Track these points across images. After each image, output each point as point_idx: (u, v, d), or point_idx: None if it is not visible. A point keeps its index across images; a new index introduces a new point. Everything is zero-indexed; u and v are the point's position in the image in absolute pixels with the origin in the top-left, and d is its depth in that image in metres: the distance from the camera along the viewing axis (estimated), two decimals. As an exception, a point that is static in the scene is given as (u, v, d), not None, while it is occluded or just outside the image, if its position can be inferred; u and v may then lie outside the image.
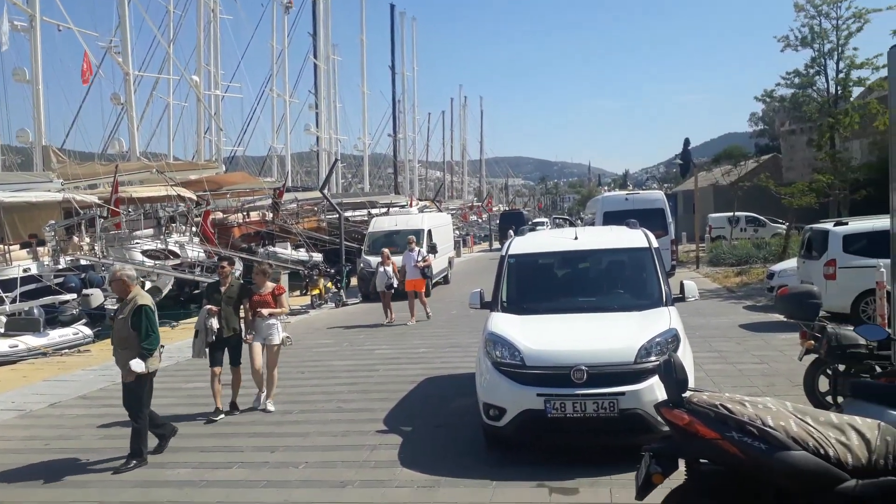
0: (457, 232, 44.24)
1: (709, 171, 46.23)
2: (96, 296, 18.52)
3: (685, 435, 3.56)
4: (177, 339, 13.80)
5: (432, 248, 21.79)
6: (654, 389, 5.49)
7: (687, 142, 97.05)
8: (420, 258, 15.43)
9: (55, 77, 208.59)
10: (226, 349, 8.21)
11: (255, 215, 31.60)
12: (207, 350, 8.03)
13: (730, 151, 51.14)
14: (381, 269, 15.47)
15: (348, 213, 36.35)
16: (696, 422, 3.51)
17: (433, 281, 21.61)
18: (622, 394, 5.63)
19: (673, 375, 3.70)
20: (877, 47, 17.69)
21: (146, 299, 6.55)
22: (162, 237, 23.14)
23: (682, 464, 3.68)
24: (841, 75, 20.23)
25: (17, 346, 13.58)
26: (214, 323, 7.97)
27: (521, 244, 7.97)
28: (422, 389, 9.04)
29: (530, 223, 47.20)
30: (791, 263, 14.82)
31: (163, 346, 6.77)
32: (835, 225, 12.52)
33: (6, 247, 17.69)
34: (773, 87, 21.82)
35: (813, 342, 6.45)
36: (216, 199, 29.64)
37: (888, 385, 4.42)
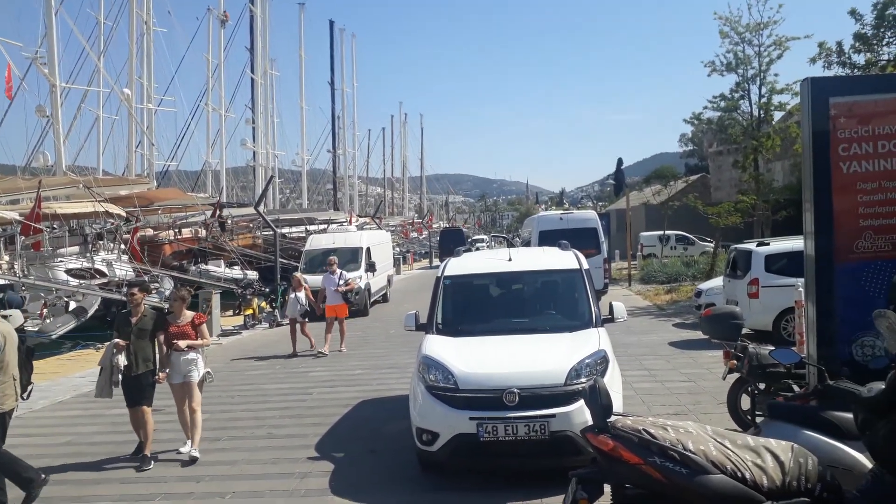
0: (397, 249, 44.20)
1: (640, 190, 47.61)
2: (15, 317, 17.58)
3: (610, 460, 3.60)
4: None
5: (371, 267, 21.67)
6: (584, 412, 5.53)
7: (620, 161, 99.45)
8: (342, 281, 14.08)
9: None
10: (138, 388, 7.19)
11: (187, 232, 30.75)
12: (117, 387, 7.10)
13: (660, 171, 52.78)
14: (293, 295, 13.95)
15: (286, 230, 35.83)
16: (621, 447, 3.56)
17: (371, 300, 21.47)
18: (553, 416, 5.68)
19: (598, 401, 3.75)
20: (796, 73, 18.71)
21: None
22: (88, 255, 22.28)
23: (607, 488, 3.72)
24: (763, 100, 21.15)
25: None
26: (121, 359, 7.00)
27: (457, 265, 7.99)
28: (356, 413, 8.91)
29: (470, 240, 47.54)
30: (718, 282, 15.33)
31: (32, 384, 6.39)
32: (757, 245, 13.02)
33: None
34: (700, 109, 22.66)
35: (735, 362, 6.66)
36: (147, 216, 28.76)
37: (802, 406, 4.59)
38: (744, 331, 11.11)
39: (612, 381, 6.08)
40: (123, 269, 22.59)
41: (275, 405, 9.58)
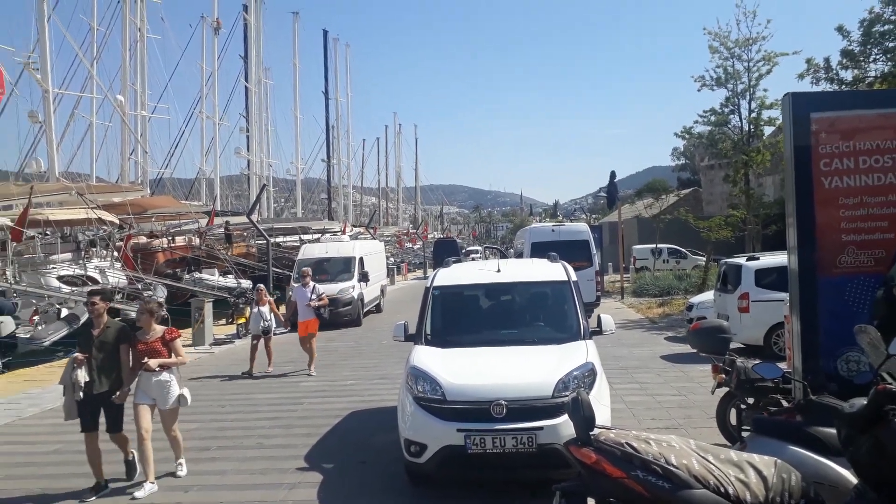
0: (391, 259, 44.19)
1: (633, 203, 47.80)
2: (7, 324, 17.56)
3: (593, 473, 3.63)
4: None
5: (364, 277, 21.67)
6: (572, 424, 5.56)
7: (613, 174, 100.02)
8: (314, 295, 12.98)
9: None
10: (101, 410, 6.57)
11: (181, 240, 30.70)
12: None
13: (652, 185, 53.08)
14: (256, 309, 13.06)
15: (280, 239, 35.83)
16: (603, 460, 3.58)
17: (364, 311, 21.45)
18: (540, 428, 5.70)
19: (580, 413, 3.77)
20: (785, 88, 18.67)
21: None
22: (81, 262, 22.22)
23: (591, 502, 3.74)
24: (753, 114, 21.34)
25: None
26: (81, 375, 6.27)
27: (446, 276, 8.03)
28: (347, 424, 8.91)
29: (464, 251, 47.54)
30: (709, 296, 15.39)
31: None
32: (747, 260, 13.09)
33: None
34: (691, 124, 22.85)
35: (724, 376, 6.69)
36: (141, 223, 28.71)
37: (787, 421, 4.62)
38: (736, 345, 11.20)
39: (600, 394, 6.10)
40: (116, 277, 22.55)
41: (265, 415, 9.56)
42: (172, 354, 6.70)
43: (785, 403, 5.90)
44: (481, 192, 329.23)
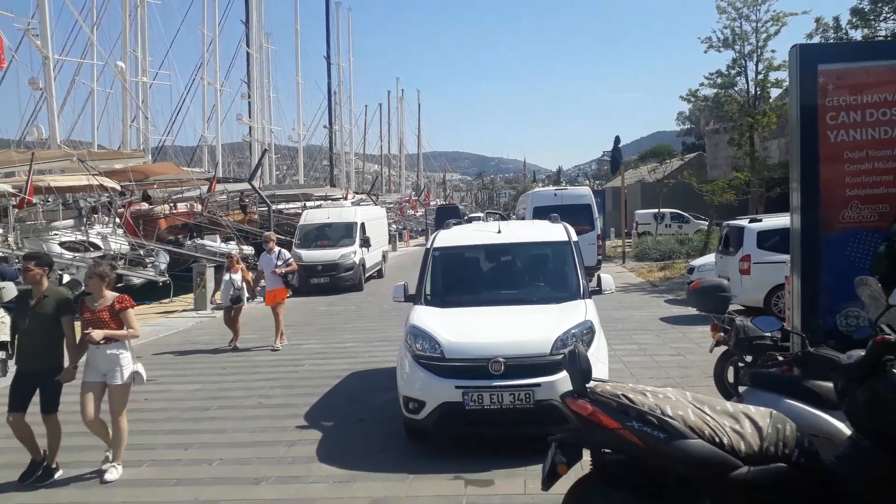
0: (393, 226, 44.11)
1: (636, 168, 47.48)
2: (9, 289, 17.58)
3: (588, 425, 3.61)
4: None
5: (365, 242, 21.66)
6: (570, 381, 5.57)
7: (617, 139, 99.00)
8: (280, 262, 11.90)
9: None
10: (36, 389, 5.79)
11: (182, 206, 30.64)
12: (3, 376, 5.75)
13: (657, 150, 52.67)
14: (227, 276, 12.03)
15: (282, 206, 35.76)
16: (599, 412, 3.56)
17: (366, 276, 21.47)
18: (538, 385, 5.71)
19: (577, 365, 3.75)
20: (793, 51, 18.49)
21: None
22: (83, 228, 22.22)
23: (587, 454, 3.74)
24: (760, 77, 21.06)
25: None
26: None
27: (446, 237, 7.99)
28: (347, 384, 8.95)
29: (466, 217, 47.40)
30: (710, 259, 15.35)
31: None
32: (750, 221, 13.01)
33: None
34: (697, 87, 22.56)
35: (722, 334, 6.67)
36: (142, 190, 28.63)
37: (783, 374, 4.61)
38: (736, 307, 11.18)
39: (598, 352, 6.10)
40: (118, 243, 22.58)
41: (266, 376, 9.62)
42: (122, 326, 5.82)
43: (781, 359, 5.89)
44: (485, 158, 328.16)
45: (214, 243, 26.90)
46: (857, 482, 3.35)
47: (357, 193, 51.57)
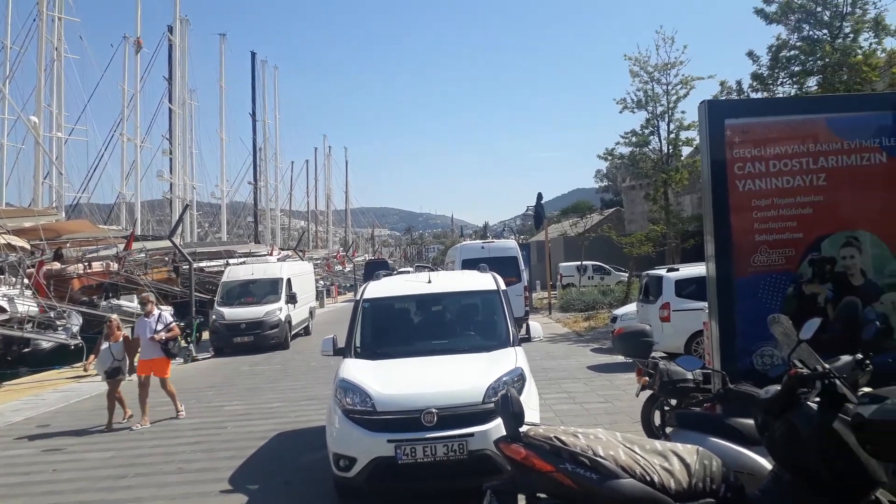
0: (321, 282, 43.49)
1: (559, 222, 48.88)
2: None
3: (522, 469, 3.61)
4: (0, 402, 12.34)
5: (291, 298, 21.22)
6: (503, 429, 5.55)
7: (540, 196, 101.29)
8: (160, 326, 10.44)
9: None
10: None
11: (98, 266, 29.34)
12: None
13: (577, 206, 54.49)
14: (106, 344, 10.37)
15: (204, 263, 34.72)
16: (532, 455, 3.57)
17: (292, 333, 20.96)
18: (471, 434, 5.66)
19: (510, 409, 3.76)
20: (701, 111, 19.70)
21: None
22: (-13, 290, 20.93)
23: (522, 499, 3.72)
24: (672, 135, 22.25)
25: None
26: None
27: (376, 288, 7.95)
28: (273, 445, 8.63)
29: (396, 271, 47.28)
30: (632, 307, 15.80)
31: None
32: (668, 271, 13.53)
33: None
34: (613, 145, 23.60)
35: (647, 378, 6.84)
36: (54, 249, 27.32)
37: (707, 414, 4.75)
38: (658, 353, 11.50)
39: (530, 399, 6.13)
40: (26, 305, 21.33)
41: (186, 440, 9.16)
42: None
43: (705, 402, 6.07)
44: (413, 214, 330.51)
45: (132, 303, 25.78)
46: (780, 514, 3.45)
47: (283, 249, 50.75)
